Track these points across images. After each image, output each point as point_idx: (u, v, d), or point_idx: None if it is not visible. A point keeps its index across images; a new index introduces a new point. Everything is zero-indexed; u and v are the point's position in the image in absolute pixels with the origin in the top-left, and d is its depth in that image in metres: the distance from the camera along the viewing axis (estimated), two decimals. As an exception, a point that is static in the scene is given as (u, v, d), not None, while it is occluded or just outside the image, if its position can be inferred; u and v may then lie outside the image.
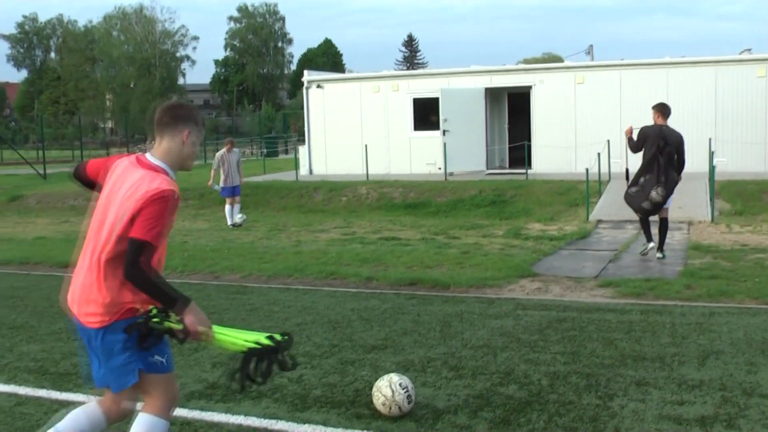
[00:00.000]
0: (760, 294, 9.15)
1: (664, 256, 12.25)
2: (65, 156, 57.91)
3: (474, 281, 10.35)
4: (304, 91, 27.87)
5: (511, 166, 27.09)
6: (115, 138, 73.19)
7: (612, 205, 18.95)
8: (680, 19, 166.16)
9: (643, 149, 12.23)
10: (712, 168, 18.44)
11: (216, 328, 3.94)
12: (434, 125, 25.51)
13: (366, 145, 25.75)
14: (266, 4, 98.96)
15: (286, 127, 60.51)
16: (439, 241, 15.03)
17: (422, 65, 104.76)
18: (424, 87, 26.35)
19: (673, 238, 15.06)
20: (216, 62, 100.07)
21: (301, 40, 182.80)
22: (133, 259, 3.70)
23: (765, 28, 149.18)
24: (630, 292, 9.49)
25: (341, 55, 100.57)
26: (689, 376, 6.20)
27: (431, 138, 25.68)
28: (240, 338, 3.96)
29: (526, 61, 75.59)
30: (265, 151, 41.33)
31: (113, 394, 4.08)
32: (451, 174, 24.37)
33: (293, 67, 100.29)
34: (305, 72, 28.90)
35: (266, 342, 3.92)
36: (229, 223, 19.03)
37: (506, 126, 27.56)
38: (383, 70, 30.04)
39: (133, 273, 3.71)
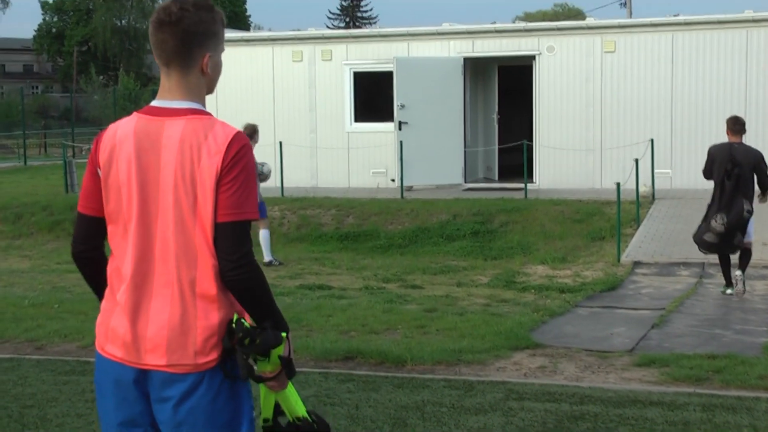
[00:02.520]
0: None
1: (743, 289, 14.01)
2: None
3: (443, 355, 10.23)
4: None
5: (501, 178, 27.06)
6: None
7: (657, 238, 18.92)
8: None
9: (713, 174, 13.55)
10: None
11: None
12: (386, 114, 25.45)
13: (281, 143, 25.47)
14: None
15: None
16: (390, 293, 14.96)
17: (369, 22, 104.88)
18: (372, 55, 26.30)
19: (754, 290, 15.08)
20: (44, 6, 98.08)
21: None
22: (238, 252, 3.84)
23: None
24: (685, 376, 9.43)
25: (244, 2, 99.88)
26: None
27: (381, 133, 25.60)
28: (300, 401, 4.25)
29: (528, 18, 76.26)
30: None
31: None
32: (411, 189, 24.25)
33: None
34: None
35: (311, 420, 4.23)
36: (266, 258, 18.43)
37: (496, 116, 27.46)
38: (309, 27, 29.76)
39: (243, 272, 3.84)
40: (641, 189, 19.80)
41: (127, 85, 73.14)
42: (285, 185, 24.77)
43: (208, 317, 3.89)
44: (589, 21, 27.09)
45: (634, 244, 18.75)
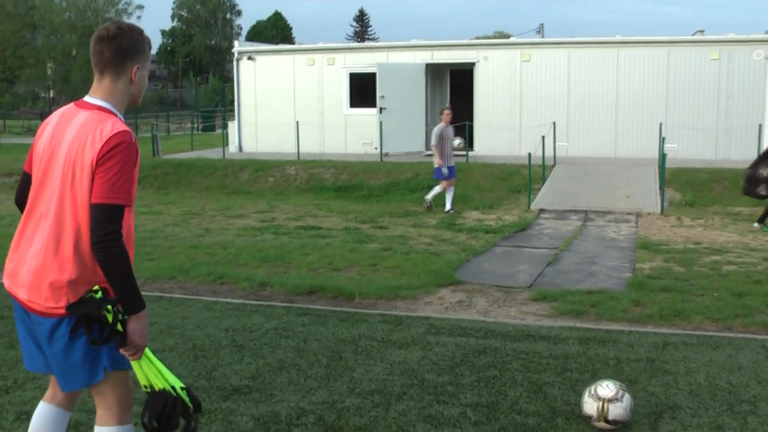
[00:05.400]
0: (720, 314, 7.57)
1: None
2: (-2, 126, 55.12)
3: (384, 291, 8.59)
4: (235, 62, 25.84)
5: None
6: (55, 108, 70.06)
7: (556, 192, 17.47)
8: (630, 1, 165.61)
9: None
10: (663, 155, 16.97)
11: (147, 351, 3.35)
12: (371, 102, 23.75)
13: (297, 122, 23.87)
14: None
15: (227, 101, 58.08)
16: (362, 233, 13.29)
17: (373, 41, 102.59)
18: (362, 61, 24.50)
19: (620, 231, 13.60)
20: (163, 32, 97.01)
21: (251, 12, 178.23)
22: (102, 230, 3.12)
23: (714, 13, 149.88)
24: (568, 310, 7.82)
25: (291, 28, 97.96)
26: (638, 449, 4.57)
27: (368, 116, 23.92)
28: (163, 373, 3.38)
29: (477, 39, 73.95)
30: (200, 125, 39.19)
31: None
32: (387, 155, 22.66)
33: (242, 39, 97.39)
34: (236, 43, 26.93)
35: (182, 394, 3.36)
36: (448, 206, 16.27)
37: (448, 104, 25.89)
38: (319, 41, 28.02)
39: (104, 247, 3.11)
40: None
41: (214, 83, 71.99)
42: (301, 151, 23.15)
43: (61, 273, 3.20)
44: (513, 39, 25.46)
45: (540, 196, 17.26)
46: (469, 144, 22.66)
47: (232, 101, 57.44)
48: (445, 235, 13.14)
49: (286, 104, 25.17)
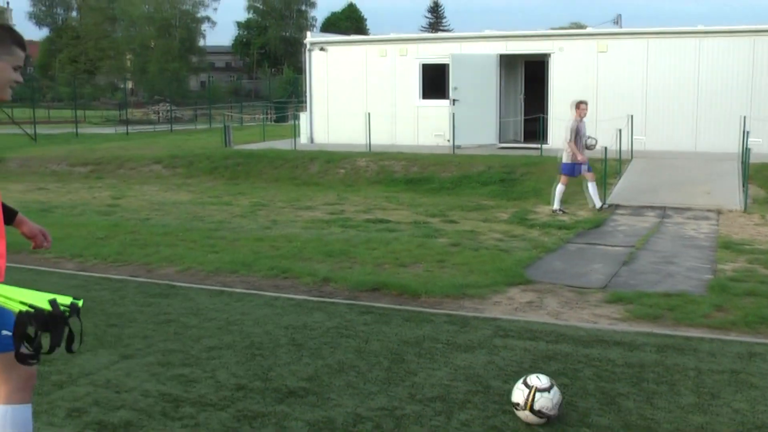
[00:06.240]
0: (811, 322, 7.06)
1: None
2: (78, 117, 56.22)
3: (451, 289, 8.26)
4: (306, 53, 25.74)
5: (525, 140, 24.95)
6: (133, 98, 71.53)
7: (632, 188, 16.89)
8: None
9: None
10: (746, 149, 16.23)
11: None
12: (444, 94, 23.42)
13: (369, 114, 23.66)
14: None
15: (300, 92, 58.16)
16: (430, 227, 12.97)
17: (448, 32, 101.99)
18: (434, 52, 24.16)
19: (700, 229, 13.00)
20: (238, 24, 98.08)
21: (325, 3, 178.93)
22: None
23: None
24: (644, 314, 7.38)
25: (365, 20, 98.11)
26: (721, 472, 4.18)
27: (440, 107, 23.59)
28: (14, 298, 3.06)
29: (552, 30, 72.88)
30: (273, 116, 39.33)
31: None
32: (459, 147, 22.27)
33: (316, 30, 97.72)
34: (308, 33, 26.85)
35: (43, 305, 3.01)
36: (597, 204, 15.12)
37: (521, 97, 25.40)
38: (390, 32, 27.75)
39: None
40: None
41: (288, 75, 72.29)
42: (372, 143, 22.98)
43: None
44: (589, 30, 24.84)
45: (616, 191, 16.72)
46: (542, 137, 22.17)
47: (305, 92, 57.51)
48: (516, 231, 12.75)
49: (358, 95, 24.99)
